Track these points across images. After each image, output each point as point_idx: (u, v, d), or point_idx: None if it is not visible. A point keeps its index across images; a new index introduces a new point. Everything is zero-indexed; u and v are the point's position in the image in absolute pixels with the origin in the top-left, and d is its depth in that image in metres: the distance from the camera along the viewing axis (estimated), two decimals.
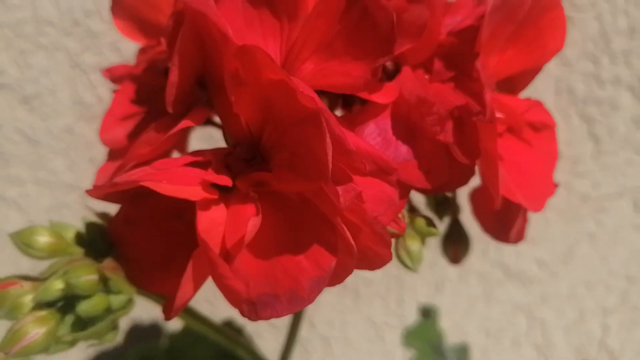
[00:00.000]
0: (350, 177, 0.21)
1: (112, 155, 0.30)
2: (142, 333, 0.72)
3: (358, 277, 0.73)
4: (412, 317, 0.72)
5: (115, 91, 0.32)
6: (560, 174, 0.74)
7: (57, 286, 0.24)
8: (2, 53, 0.67)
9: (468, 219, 0.37)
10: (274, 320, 0.69)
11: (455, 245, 0.35)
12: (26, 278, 0.27)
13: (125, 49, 0.66)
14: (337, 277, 0.23)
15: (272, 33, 0.25)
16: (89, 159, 0.71)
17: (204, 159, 0.24)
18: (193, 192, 0.21)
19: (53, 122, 0.70)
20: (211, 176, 0.23)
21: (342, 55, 0.23)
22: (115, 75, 0.32)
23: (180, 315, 0.27)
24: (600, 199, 0.75)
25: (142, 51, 0.33)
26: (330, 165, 0.19)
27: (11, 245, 0.26)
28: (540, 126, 0.29)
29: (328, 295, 0.74)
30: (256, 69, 0.20)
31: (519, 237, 0.32)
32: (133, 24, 0.33)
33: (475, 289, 0.76)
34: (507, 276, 0.75)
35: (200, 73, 0.25)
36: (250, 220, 0.21)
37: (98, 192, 0.22)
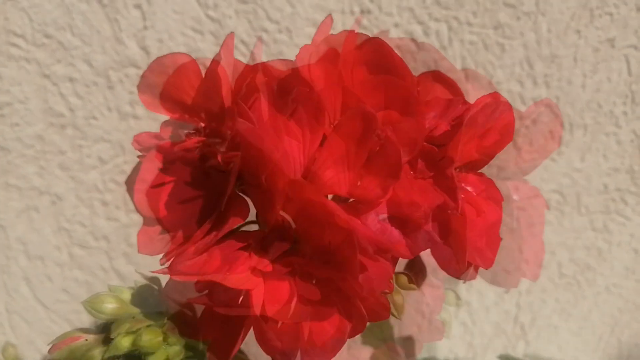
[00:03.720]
0: (365, 267, 0.29)
1: (148, 221, 0.36)
2: None
3: None
4: None
5: (140, 157, 0.38)
6: None
7: (125, 343, 0.31)
8: None
9: None
10: None
11: (416, 275, 0.44)
12: (85, 332, 0.33)
13: (97, 60, 0.69)
14: (351, 334, 0.31)
15: (295, 136, 0.32)
16: (57, 164, 0.74)
17: (247, 244, 0.31)
18: (248, 282, 0.28)
19: (23, 130, 0.72)
20: (255, 262, 0.30)
21: (359, 169, 0.30)
22: (143, 145, 0.38)
23: None
24: (520, 200, 0.86)
25: (166, 123, 0.38)
26: (359, 271, 0.27)
27: None
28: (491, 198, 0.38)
29: None
30: (302, 193, 0.27)
31: (472, 277, 0.41)
32: (157, 100, 0.39)
33: None
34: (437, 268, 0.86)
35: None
36: (292, 303, 0.28)
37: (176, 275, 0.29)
